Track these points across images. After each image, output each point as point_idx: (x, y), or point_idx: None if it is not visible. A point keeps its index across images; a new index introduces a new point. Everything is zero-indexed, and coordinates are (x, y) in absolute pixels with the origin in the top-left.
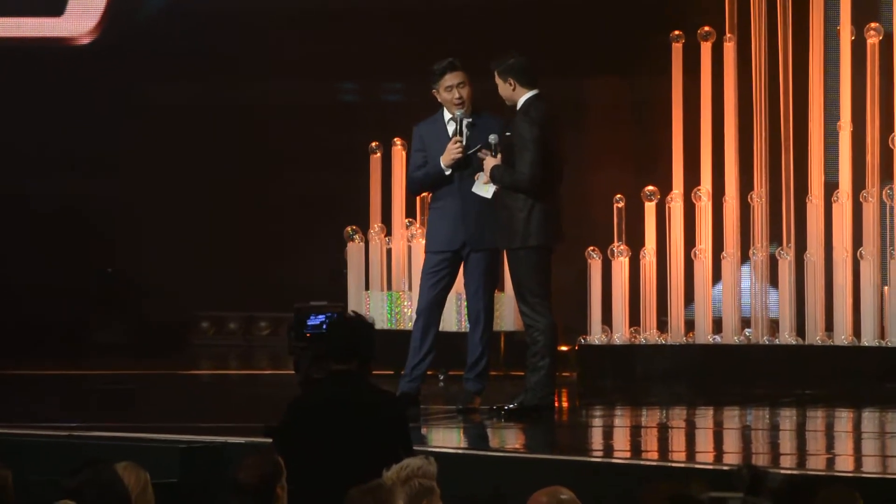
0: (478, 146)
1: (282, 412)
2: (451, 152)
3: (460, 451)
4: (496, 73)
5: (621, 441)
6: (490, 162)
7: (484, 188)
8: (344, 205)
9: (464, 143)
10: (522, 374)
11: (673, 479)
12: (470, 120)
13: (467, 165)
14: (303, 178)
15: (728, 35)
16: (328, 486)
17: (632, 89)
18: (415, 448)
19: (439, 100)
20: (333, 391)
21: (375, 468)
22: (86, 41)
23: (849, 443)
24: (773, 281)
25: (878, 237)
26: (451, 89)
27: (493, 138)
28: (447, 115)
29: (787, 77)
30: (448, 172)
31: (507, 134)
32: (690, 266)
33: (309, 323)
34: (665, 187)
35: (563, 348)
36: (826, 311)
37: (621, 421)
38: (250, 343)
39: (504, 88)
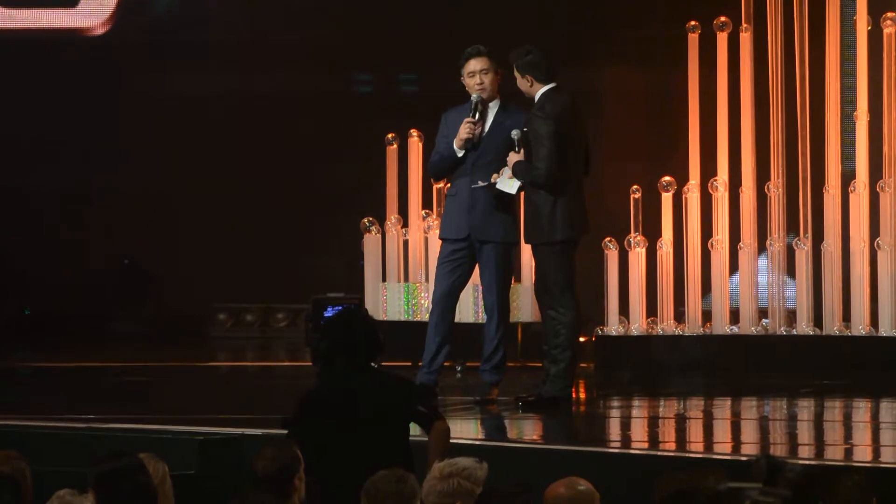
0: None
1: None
2: (462, 132)
3: (478, 443)
4: (514, 68)
5: (639, 432)
6: (513, 157)
7: (508, 183)
8: (360, 196)
9: (474, 123)
10: (540, 365)
11: (690, 469)
12: (485, 99)
13: (479, 147)
14: (319, 169)
15: (744, 25)
16: (345, 476)
17: (648, 80)
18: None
19: (466, 87)
20: (342, 381)
21: (391, 454)
22: (100, 32)
23: (867, 433)
24: (791, 271)
25: (895, 227)
26: (473, 75)
27: (515, 133)
28: None
29: (804, 67)
30: (460, 154)
31: (524, 130)
32: (707, 257)
33: (326, 314)
34: (682, 178)
35: (581, 339)
36: (843, 302)
37: (639, 412)
38: (267, 335)
39: (522, 83)
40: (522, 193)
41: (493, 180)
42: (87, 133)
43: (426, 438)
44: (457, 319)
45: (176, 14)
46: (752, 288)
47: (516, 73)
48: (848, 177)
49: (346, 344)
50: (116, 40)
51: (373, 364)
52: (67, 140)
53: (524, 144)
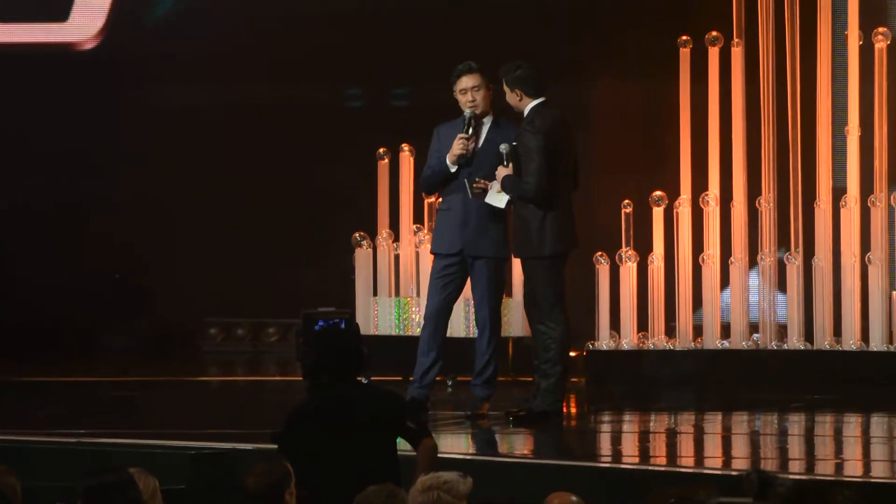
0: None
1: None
2: (455, 148)
3: (469, 457)
4: (504, 82)
5: (630, 446)
6: (502, 171)
7: (497, 198)
8: (352, 211)
9: (468, 139)
10: (531, 379)
11: (681, 484)
12: (478, 115)
13: (472, 163)
14: (310, 183)
15: (736, 40)
16: (333, 490)
17: (639, 94)
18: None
19: (458, 103)
20: (329, 395)
21: (379, 468)
22: (90, 46)
23: (857, 448)
24: (781, 286)
25: (886, 242)
26: (465, 92)
27: (503, 147)
28: None
29: (795, 82)
30: (453, 170)
31: (514, 144)
32: (698, 271)
33: (317, 329)
34: (673, 192)
35: (572, 354)
36: (834, 316)
37: (630, 426)
38: (258, 349)
39: (511, 97)
40: (512, 207)
41: (483, 187)
42: (80, 145)
43: (415, 454)
44: (448, 334)
45: (165, 27)
46: (743, 302)
47: (505, 88)
48: (839, 191)
49: (330, 358)
50: (107, 53)
51: (361, 379)
52: (62, 152)
53: (513, 159)
